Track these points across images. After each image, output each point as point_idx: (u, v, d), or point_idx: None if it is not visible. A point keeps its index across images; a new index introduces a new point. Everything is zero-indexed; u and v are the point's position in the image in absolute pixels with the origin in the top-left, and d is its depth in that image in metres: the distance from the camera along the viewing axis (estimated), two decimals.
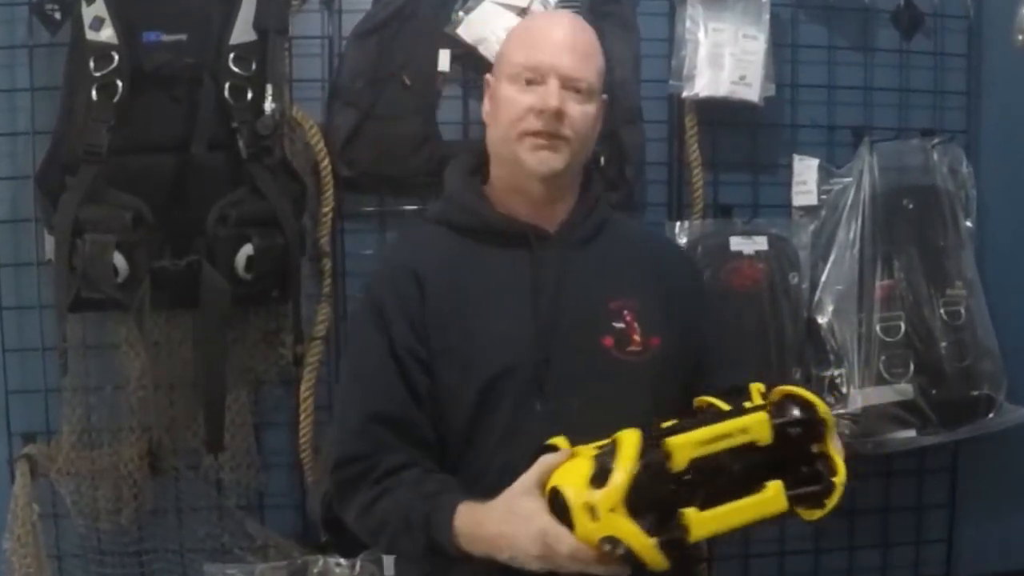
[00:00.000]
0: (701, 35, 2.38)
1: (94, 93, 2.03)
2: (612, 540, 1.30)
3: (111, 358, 2.24)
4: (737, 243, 2.39)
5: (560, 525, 1.34)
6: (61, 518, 2.26)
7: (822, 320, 2.41)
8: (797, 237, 2.44)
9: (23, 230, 2.24)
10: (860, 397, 2.37)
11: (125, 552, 2.28)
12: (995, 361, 2.46)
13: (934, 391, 2.41)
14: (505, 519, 1.40)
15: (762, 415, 1.41)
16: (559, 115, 1.56)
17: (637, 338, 1.59)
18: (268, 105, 2.10)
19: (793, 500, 1.40)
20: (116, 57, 2.03)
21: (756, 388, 1.49)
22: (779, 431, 1.41)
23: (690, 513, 1.33)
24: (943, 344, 2.42)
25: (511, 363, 1.54)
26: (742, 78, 2.38)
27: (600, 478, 1.32)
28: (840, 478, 1.44)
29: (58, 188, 2.07)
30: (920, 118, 2.55)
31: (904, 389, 2.39)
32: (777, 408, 1.45)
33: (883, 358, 2.39)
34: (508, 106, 1.60)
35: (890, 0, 2.53)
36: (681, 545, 1.33)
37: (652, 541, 1.30)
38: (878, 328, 2.39)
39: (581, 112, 1.59)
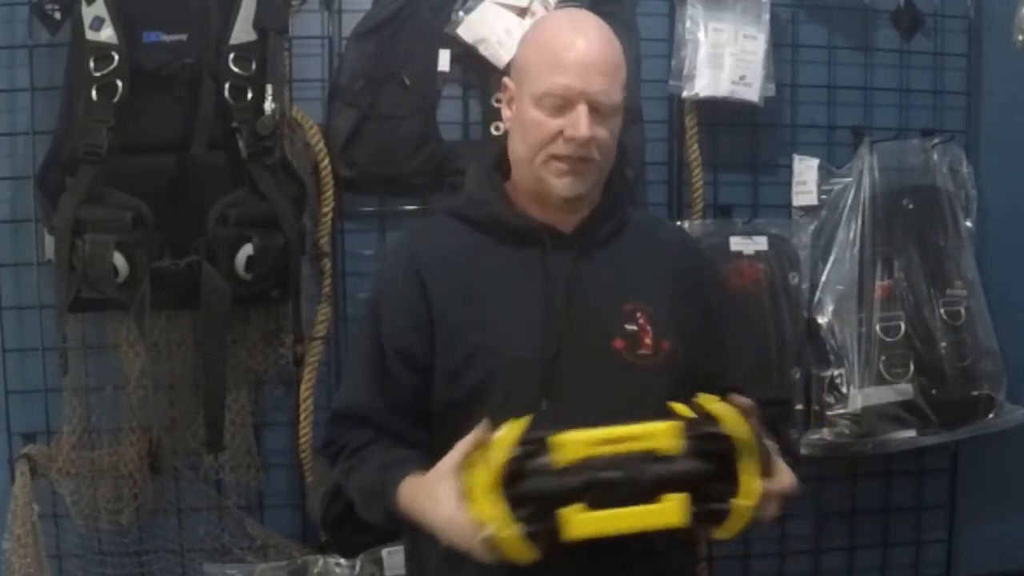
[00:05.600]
0: (701, 35, 2.38)
1: (94, 93, 2.03)
2: (481, 523, 1.31)
3: (111, 358, 2.24)
4: (737, 243, 2.39)
5: (465, 511, 1.36)
6: (61, 518, 2.26)
7: (822, 320, 2.41)
8: (797, 237, 2.44)
9: (23, 230, 2.23)
10: (860, 397, 2.37)
11: (125, 552, 2.28)
12: (995, 361, 2.46)
13: (934, 391, 2.41)
14: (425, 500, 1.43)
15: (672, 424, 1.38)
16: (588, 141, 1.55)
17: (648, 341, 1.58)
18: (268, 105, 2.10)
19: (697, 516, 1.34)
20: (116, 57, 2.03)
21: (706, 398, 1.45)
22: (694, 444, 1.37)
23: (570, 511, 1.32)
24: (943, 344, 2.42)
25: (518, 358, 1.54)
26: (742, 78, 2.38)
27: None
28: (744, 501, 1.35)
29: (58, 188, 2.07)
30: (920, 118, 2.56)
31: (904, 389, 2.39)
32: (696, 421, 1.40)
33: (883, 358, 2.39)
34: (534, 129, 1.58)
35: (890, 0, 2.53)
36: (552, 540, 1.32)
37: (515, 530, 1.30)
38: (878, 328, 2.40)
39: (608, 132, 1.57)
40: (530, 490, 1.33)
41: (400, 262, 1.64)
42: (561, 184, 1.58)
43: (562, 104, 1.55)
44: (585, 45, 1.57)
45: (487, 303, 1.58)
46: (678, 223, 2.40)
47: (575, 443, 1.34)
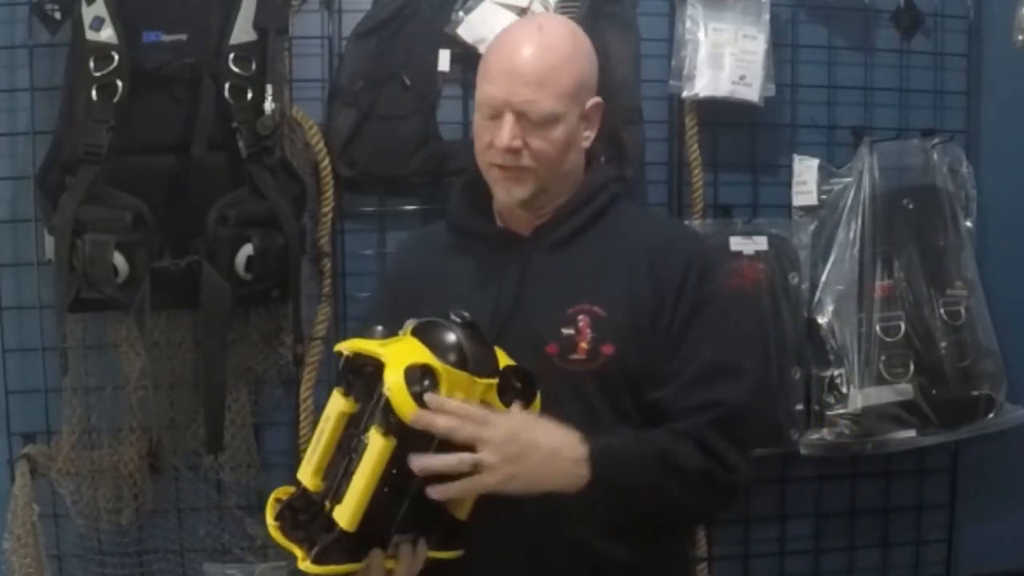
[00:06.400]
0: (701, 35, 2.38)
1: (94, 93, 2.03)
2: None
3: (111, 358, 2.24)
4: (737, 243, 2.39)
5: None
6: (61, 518, 2.26)
7: (822, 320, 2.41)
8: (797, 237, 2.44)
9: (23, 230, 2.23)
10: (860, 397, 2.37)
11: (125, 552, 2.28)
12: (995, 361, 2.46)
13: (934, 391, 2.41)
14: None
15: (335, 390, 1.45)
16: (514, 150, 1.57)
17: (584, 345, 1.56)
18: (268, 105, 2.10)
19: (393, 430, 1.36)
20: (116, 57, 2.03)
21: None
22: (356, 392, 1.42)
23: (333, 511, 1.39)
24: (943, 344, 2.42)
25: None
26: (742, 78, 2.38)
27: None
28: (387, 387, 1.35)
29: (58, 188, 2.07)
30: (920, 118, 2.55)
31: (904, 389, 2.39)
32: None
33: (883, 358, 2.39)
34: (477, 136, 1.63)
35: (890, 0, 2.53)
36: (345, 542, 1.38)
37: (307, 560, 1.40)
38: (878, 328, 2.40)
39: (542, 141, 1.57)
40: (315, 523, 1.42)
41: (385, 274, 1.74)
42: (501, 190, 1.62)
43: (493, 114, 1.57)
44: (516, 55, 1.58)
45: (439, 307, 1.57)
46: (685, 223, 2.37)
47: (304, 469, 1.44)
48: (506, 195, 1.61)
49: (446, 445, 1.41)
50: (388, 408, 1.34)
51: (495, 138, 1.57)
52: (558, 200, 1.65)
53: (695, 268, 1.62)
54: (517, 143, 1.56)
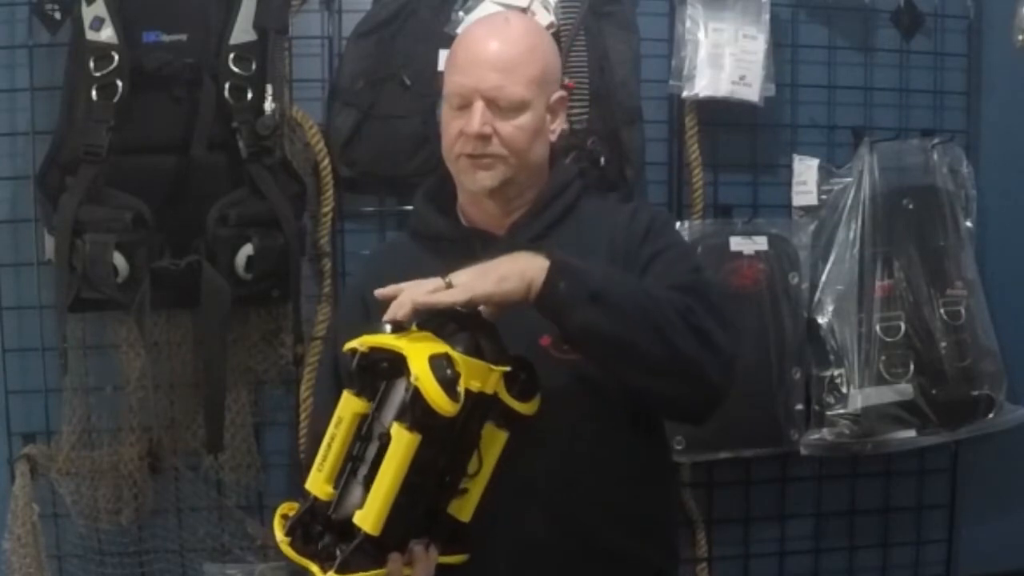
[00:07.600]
0: (701, 35, 2.38)
1: (94, 93, 2.03)
2: None
3: (111, 358, 2.24)
4: (737, 243, 2.39)
5: None
6: (61, 518, 2.26)
7: (822, 320, 2.41)
8: (797, 237, 2.44)
9: (23, 230, 2.24)
10: (860, 397, 2.37)
11: (125, 552, 2.28)
12: (995, 361, 2.46)
13: (934, 391, 2.41)
14: None
15: (346, 392, 1.41)
16: (484, 137, 1.59)
17: None
18: (268, 105, 2.11)
19: (415, 425, 1.34)
20: (116, 57, 2.03)
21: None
22: (370, 391, 1.40)
23: (355, 516, 1.36)
24: (943, 344, 2.42)
25: None
26: (742, 78, 2.38)
27: None
28: (414, 381, 1.32)
29: (58, 188, 2.07)
30: (920, 118, 2.56)
31: (904, 389, 2.39)
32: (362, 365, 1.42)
33: (883, 358, 2.39)
34: (445, 128, 1.64)
35: (890, 0, 2.53)
36: (370, 548, 1.35)
37: (323, 572, 1.35)
38: (878, 328, 2.40)
39: (512, 127, 1.59)
40: (327, 534, 1.39)
41: (351, 286, 1.73)
42: (471, 180, 1.62)
43: (462, 103, 1.60)
44: (484, 45, 1.61)
45: None
46: (677, 223, 2.37)
47: (315, 477, 1.41)
48: (474, 184, 1.62)
49: (466, 439, 1.42)
50: (415, 400, 1.32)
51: (465, 126, 1.59)
52: (526, 193, 1.66)
53: (654, 227, 1.66)
54: (487, 129, 1.58)
